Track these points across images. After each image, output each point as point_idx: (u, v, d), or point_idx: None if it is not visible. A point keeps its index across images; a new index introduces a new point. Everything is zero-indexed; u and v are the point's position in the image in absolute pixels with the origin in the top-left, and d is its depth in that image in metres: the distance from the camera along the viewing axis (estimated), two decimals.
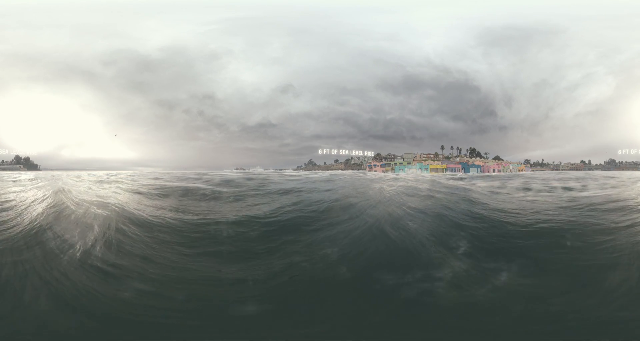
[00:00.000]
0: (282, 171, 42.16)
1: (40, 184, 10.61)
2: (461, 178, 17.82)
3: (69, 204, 5.85)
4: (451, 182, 12.56)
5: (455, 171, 63.17)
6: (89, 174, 22.04)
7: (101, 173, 23.70)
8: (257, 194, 8.69)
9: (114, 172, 28.90)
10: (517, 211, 6.57)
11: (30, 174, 26.40)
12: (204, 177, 14.97)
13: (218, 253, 4.41)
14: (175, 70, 66.25)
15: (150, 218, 5.52)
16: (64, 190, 7.28)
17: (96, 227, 4.66)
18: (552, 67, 67.09)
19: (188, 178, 14.39)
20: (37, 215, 5.19)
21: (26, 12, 58.43)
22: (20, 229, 4.66)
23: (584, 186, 11.08)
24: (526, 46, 65.53)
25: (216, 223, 5.45)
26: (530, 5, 61.56)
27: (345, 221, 5.49)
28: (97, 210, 5.44)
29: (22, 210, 5.80)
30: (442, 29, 64.92)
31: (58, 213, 5.31)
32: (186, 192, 8.86)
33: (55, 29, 60.04)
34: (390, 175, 25.88)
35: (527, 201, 7.83)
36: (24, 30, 59.49)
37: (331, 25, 63.81)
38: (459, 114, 72.31)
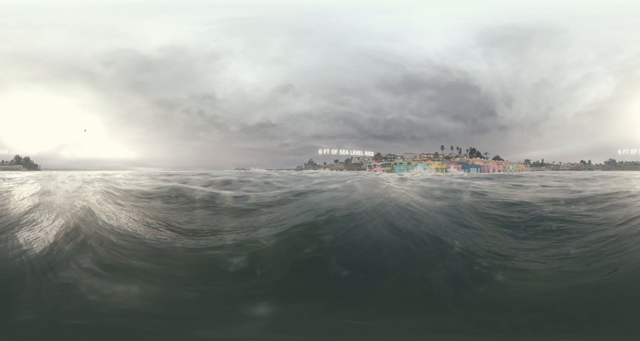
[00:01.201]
0: (281, 172, 41.96)
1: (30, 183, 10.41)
2: (464, 178, 17.71)
3: (53, 204, 5.65)
4: (459, 181, 12.46)
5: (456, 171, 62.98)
6: (82, 174, 21.90)
7: (96, 173, 23.55)
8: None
9: (111, 172, 28.74)
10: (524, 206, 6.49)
11: (28, 174, 26.23)
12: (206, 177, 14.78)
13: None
14: (175, 70, 66.19)
15: (136, 220, 5.32)
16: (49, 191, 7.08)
17: (74, 226, 4.43)
18: (552, 67, 67.09)
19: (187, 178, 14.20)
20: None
21: (26, 12, 58.38)
22: None
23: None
24: (526, 46, 65.54)
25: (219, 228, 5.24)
26: (530, 5, 61.57)
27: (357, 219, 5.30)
28: (78, 210, 5.23)
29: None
30: (442, 29, 64.92)
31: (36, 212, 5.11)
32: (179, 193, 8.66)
33: (55, 29, 59.97)
34: (396, 175, 25.59)
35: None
36: (24, 30, 59.43)
37: (331, 25, 63.78)
38: (459, 114, 72.25)
